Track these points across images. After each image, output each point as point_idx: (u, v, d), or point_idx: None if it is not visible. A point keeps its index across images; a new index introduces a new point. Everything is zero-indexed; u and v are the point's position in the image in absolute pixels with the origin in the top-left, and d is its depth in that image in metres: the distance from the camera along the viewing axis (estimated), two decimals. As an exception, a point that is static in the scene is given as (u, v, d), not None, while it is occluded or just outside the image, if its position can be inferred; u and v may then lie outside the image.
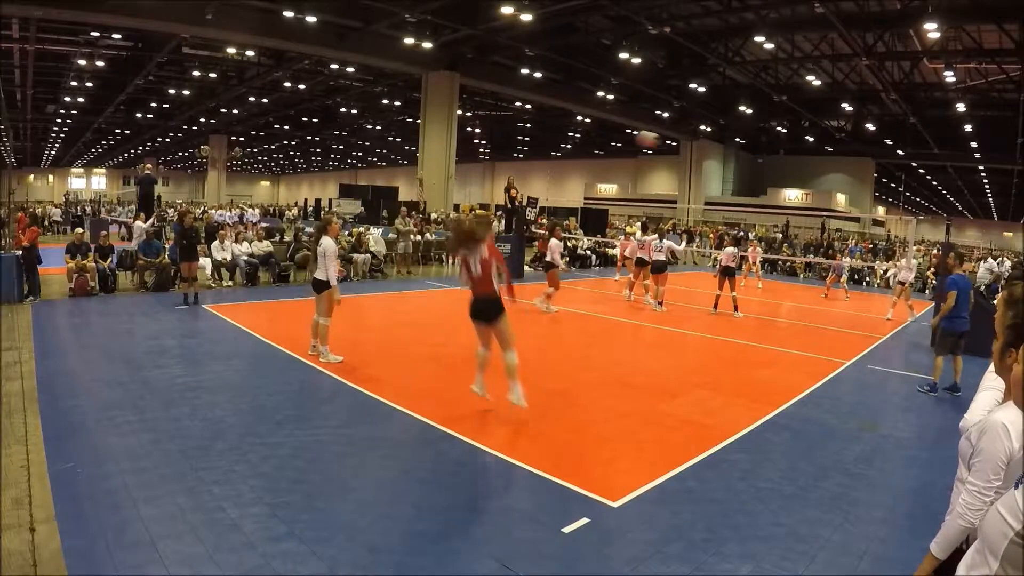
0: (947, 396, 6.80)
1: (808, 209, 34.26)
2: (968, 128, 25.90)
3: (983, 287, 14.48)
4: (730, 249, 11.89)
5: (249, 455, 4.32)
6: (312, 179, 73.52)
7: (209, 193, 46.82)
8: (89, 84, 28.79)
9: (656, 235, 12.04)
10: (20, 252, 9.89)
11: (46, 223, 24.09)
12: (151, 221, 13.93)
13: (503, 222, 18.41)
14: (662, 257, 11.68)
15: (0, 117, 29.28)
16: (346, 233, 15.26)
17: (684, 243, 18.89)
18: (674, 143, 39.26)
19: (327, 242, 6.76)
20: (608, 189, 45.11)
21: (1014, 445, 1.73)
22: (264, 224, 20.56)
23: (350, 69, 27.13)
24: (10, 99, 30.85)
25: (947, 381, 6.95)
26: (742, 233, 27.42)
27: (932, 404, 6.60)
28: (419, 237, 17.35)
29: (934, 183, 43.58)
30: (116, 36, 22.43)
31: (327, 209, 28.89)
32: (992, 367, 2.04)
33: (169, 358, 6.73)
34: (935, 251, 24.37)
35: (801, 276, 21.30)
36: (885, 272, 19.77)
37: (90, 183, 57.28)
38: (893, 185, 44.19)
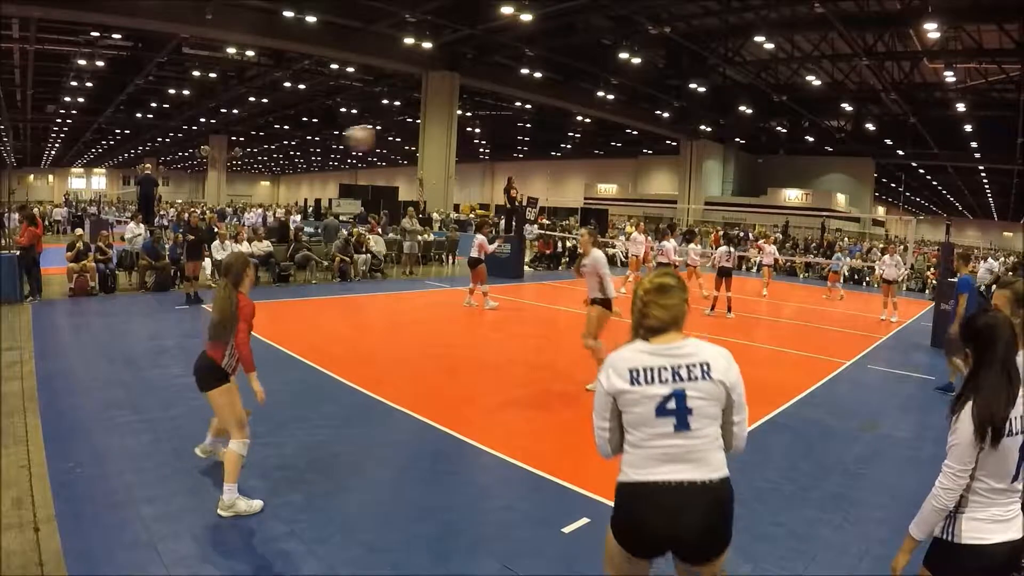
0: (943, 396, 6.80)
1: (808, 209, 34.26)
2: (968, 128, 25.90)
3: (983, 287, 14.46)
4: (723, 249, 11.81)
5: (249, 455, 4.31)
6: (312, 179, 73.48)
7: (209, 193, 46.82)
8: (89, 84, 28.79)
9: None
10: (18, 252, 9.88)
11: (46, 223, 24.07)
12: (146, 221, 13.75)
13: (503, 222, 18.43)
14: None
15: (0, 117, 29.32)
16: (345, 233, 15.26)
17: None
18: (674, 143, 39.26)
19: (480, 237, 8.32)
20: (608, 189, 45.10)
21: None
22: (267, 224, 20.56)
23: (350, 69, 27.14)
24: (10, 99, 30.86)
25: (942, 380, 6.98)
26: (742, 233, 27.41)
27: (932, 404, 6.60)
28: (422, 237, 17.37)
29: (934, 183, 43.58)
30: (116, 36, 22.43)
31: (327, 208, 28.84)
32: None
33: (169, 358, 6.73)
34: (934, 250, 24.35)
35: (801, 276, 21.31)
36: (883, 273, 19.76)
37: (90, 183, 57.23)
38: (893, 185, 44.19)
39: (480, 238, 10.93)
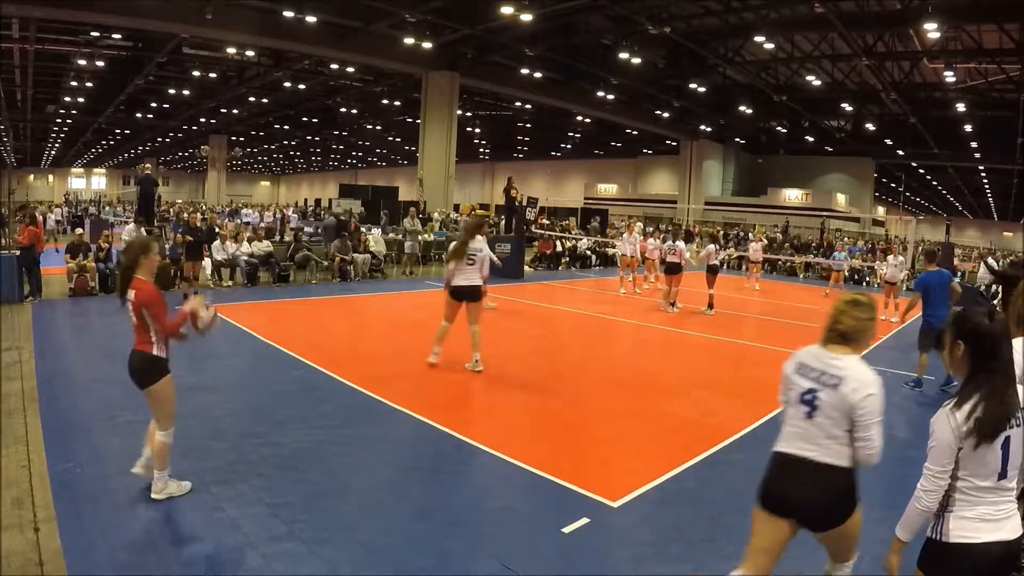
0: (938, 393, 6.81)
1: (808, 209, 34.23)
2: (968, 128, 25.87)
3: (982, 287, 14.44)
4: (710, 247, 12.02)
5: (249, 455, 4.32)
6: (312, 179, 73.47)
7: (209, 193, 46.80)
8: (89, 84, 28.75)
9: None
10: (18, 252, 9.89)
11: (45, 226, 24.04)
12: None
13: (503, 222, 18.39)
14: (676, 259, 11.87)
15: (0, 117, 29.29)
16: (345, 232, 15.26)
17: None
18: (674, 143, 39.25)
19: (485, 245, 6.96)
20: (608, 189, 45.08)
21: (962, 428, 1.96)
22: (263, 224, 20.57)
23: (350, 69, 27.11)
24: (10, 99, 30.83)
25: (942, 379, 6.99)
26: (743, 233, 27.42)
27: (931, 403, 6.59)
28: (423, 237, 17.38)
29: (934, 183, 43.54)
30: (116, 36, 22.40)
31: (327, 208, 28.90)
32: None
33: (169, 358, 6.71)
34: (936, 251, 24.30)
35: (801, 276, 21.31)
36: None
37: (90, 183, 57.21)
38: (893, 185, 44.16)
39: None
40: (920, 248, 10.13)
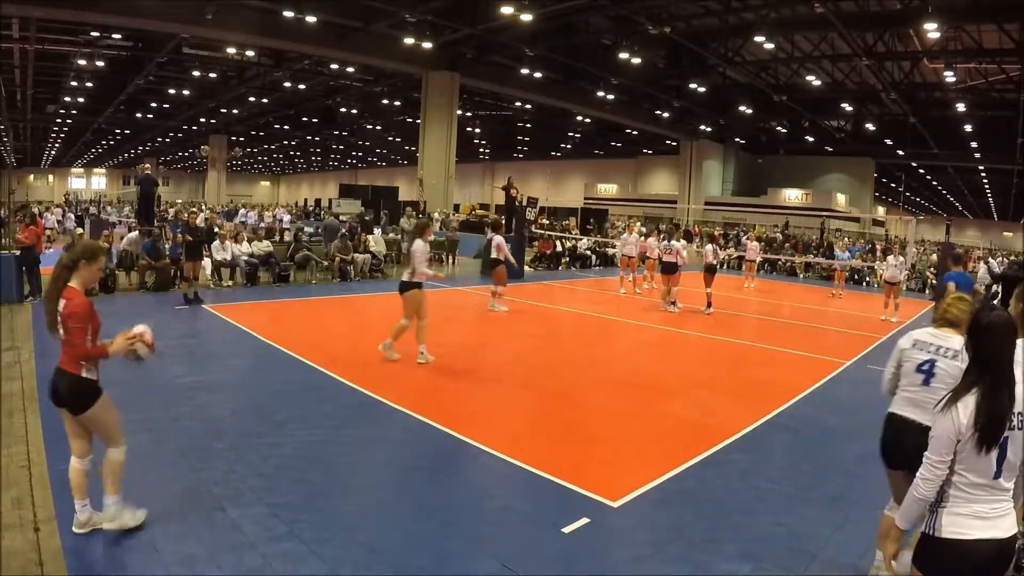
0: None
1: (808, 209, 34.24)
2: (968, 128, 25.87)
3: (983, 287, 14.44)
4: (709, 247, 12.05)
5: (249, 455, 4.32)
6: (312, 179, 73.48)
7: (209, 193, 46.80)
8: (89, 84, 28.76)
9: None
10: (19, 252, 9.88)
11: (64, 225, 24.04)
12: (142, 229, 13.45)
13: (503, 222, 18.36)
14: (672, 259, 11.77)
15: (0, 117, 29.29)
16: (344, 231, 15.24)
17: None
18: (674, 143, 39.25)
19: (419, 244, 6.95)
20: (608, 189, 45.08)
21: (962, 421, 1.99)
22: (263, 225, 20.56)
23: (350, 69, 27.12)
24: (10, 99, 30.82)
25: None
26: (743, 233, 27.43)
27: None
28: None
29: (934, 183, 43.54)
30: (116, 36, 22.41)
31: (327, 208, 28.90)
32: None
33: (169, 358, 6.72)
34: (935, 253, 24.34)
35: (801, 276, 21.31)
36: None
37: (90, 183, 57.20)
38: (893, 185, 44.16)
39: (498, 239, 11.33)
40: (924, 248, 10.24)
